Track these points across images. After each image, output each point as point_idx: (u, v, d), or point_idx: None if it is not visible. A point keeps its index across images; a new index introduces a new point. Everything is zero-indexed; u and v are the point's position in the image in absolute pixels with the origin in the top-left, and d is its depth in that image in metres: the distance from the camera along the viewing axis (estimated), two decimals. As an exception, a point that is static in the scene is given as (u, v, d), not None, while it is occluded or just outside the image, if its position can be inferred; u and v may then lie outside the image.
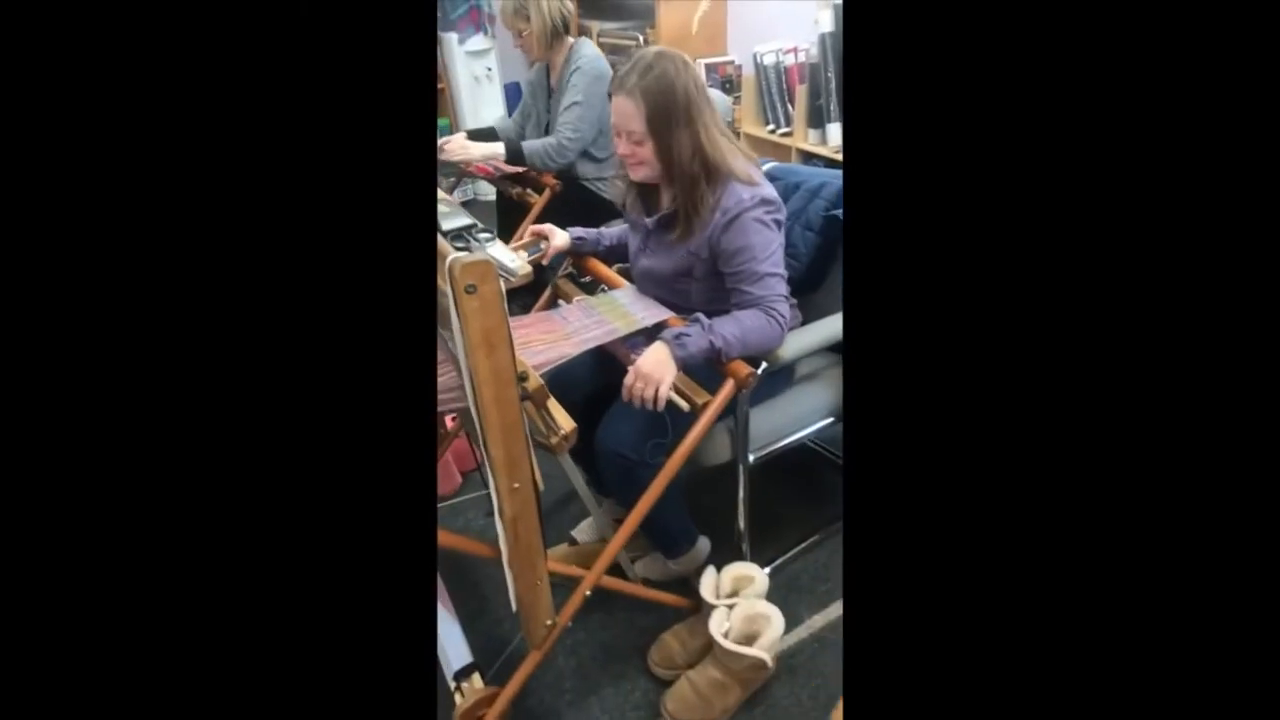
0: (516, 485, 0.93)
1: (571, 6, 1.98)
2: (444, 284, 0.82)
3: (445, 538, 1.07)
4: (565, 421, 0.97)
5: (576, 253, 1.45)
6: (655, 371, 1.09)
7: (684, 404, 1.11)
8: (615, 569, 1.18)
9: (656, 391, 1.08)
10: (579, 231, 1.44)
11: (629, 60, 1.18)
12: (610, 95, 1.20)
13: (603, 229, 1.48)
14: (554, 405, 0.97)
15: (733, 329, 1.13)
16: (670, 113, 1.15)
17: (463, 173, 2.18)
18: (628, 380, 1.10)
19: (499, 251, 1.01)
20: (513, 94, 3.55)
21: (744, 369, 1.10)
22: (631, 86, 1.15)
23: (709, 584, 1.29)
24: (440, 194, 1.13)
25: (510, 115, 2.38)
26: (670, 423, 1.19)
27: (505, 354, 0.84)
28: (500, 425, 0.88)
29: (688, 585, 1.44)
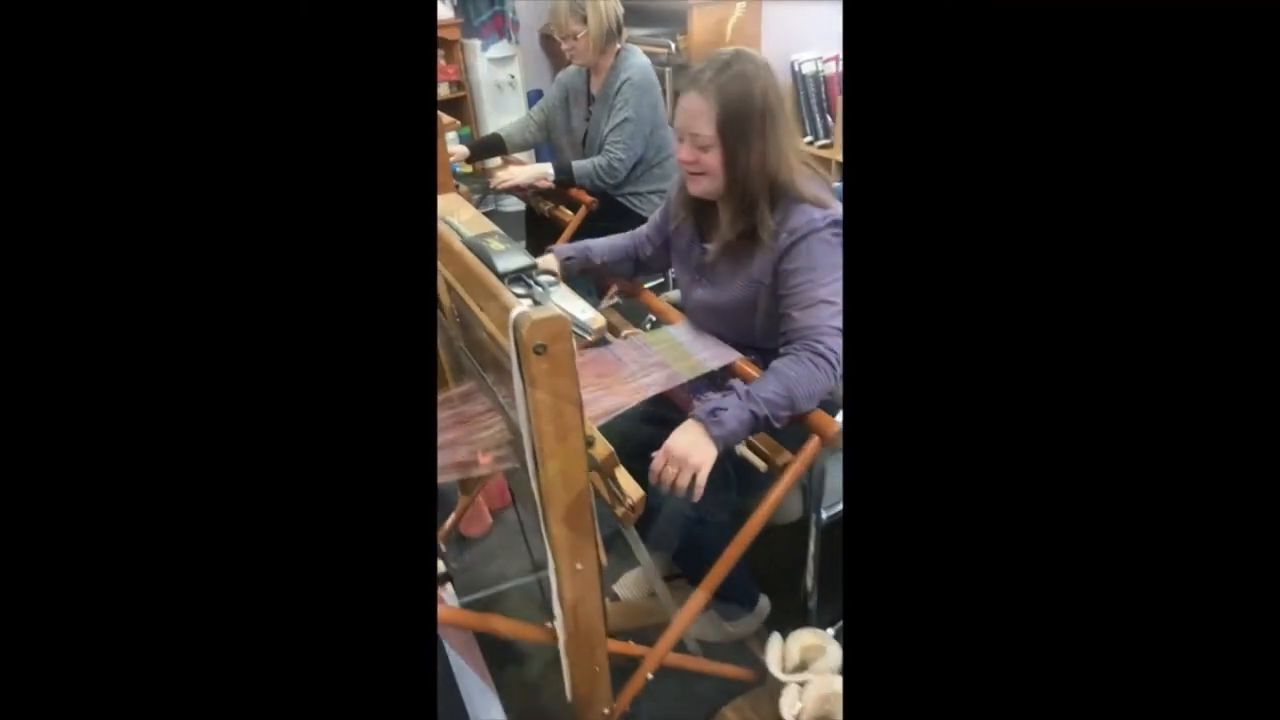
0: (579, 566, 0.80)
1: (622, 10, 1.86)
2: (504, 338, 0.70)
3: (495, 622, 0.94)
4: (633, 490, 0.84)
5: (568, 273, 1.29)
6: (690, 455, 0.92)
7: (760, 464, 0.98)
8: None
9: (694, 479, 0.92)
10: (566, 250, 1.30)
11: (705, 59, 1.04)
12: (677, 93, 1.06)
13: (588, 241, 1.34)
14: (621, 473, 0.84)
15: (775, 388, 0.96)
16: (744, 118, 1.01)
17: (489, 188, 2.06)
18: (656, 464, 0.94)
19: (568, 301, 0.88)
20: (536, 101, 3.42)
21: (833, 425, 0.96)
22: (706, 83, 1.01)
23: (775, 655, 1.15)
24: (491, 225, 1.00)
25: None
26: (735, 475, 1.06)
27: (575, 420, 0.71)
28: (565, 501, 0.75)
29: (744, 647, 1.31)
